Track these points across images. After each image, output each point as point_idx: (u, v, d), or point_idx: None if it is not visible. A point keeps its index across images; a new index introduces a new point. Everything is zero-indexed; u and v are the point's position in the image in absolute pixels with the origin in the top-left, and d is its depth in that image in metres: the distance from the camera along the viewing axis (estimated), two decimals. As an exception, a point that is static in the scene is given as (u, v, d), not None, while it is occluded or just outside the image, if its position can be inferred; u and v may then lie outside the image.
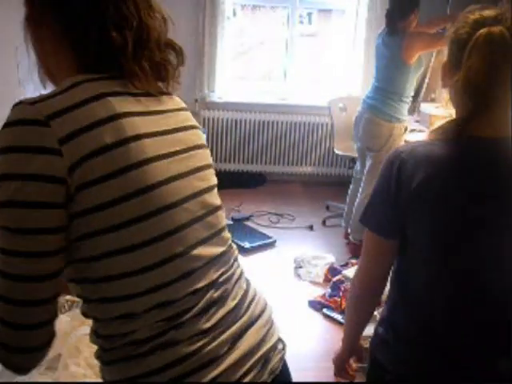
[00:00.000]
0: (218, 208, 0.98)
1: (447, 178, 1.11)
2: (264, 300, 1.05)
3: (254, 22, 5.44)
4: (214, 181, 1.00)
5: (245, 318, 0.95)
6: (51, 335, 0.85)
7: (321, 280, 3.38)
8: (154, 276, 0.84)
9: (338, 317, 2.98)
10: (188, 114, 1.02)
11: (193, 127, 1.00)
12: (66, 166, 0.76)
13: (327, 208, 4.52)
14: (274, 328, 1.02)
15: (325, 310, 3.06)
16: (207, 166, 0.99)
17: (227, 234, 1.01)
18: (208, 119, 4.80)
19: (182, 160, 0.91)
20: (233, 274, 0.98)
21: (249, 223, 4.18)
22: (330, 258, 3.56)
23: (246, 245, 3.71)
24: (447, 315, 1.15)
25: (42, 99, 0.80)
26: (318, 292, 3.24)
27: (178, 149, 0.91)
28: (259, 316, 0.99)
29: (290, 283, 3.38)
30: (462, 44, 1.11)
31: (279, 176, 5.06)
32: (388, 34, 3.42)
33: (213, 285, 0.91)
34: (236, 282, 0.98)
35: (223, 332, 0.90)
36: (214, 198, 0.98)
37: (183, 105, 1.03)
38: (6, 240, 0.77)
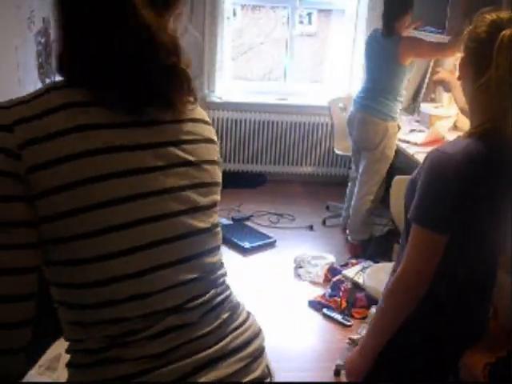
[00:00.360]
0: (200, 231, 0.90)
1: (503, 174, 1.27)
2: (254, 330, 0.98)
3: (253, 22, 5.44)
4: (205, 202, 0.91)
5: (216, 348, 0.89)
6: (27, 339, 0.81)
7: (321, 280, 3.38)
8: (105, 292, 0.82)
9: (338, 317, 2.99)
10: (202, 125, 0.96)
11: (202, 141, 0.94)
12: (23, 171, 0.77)
13: (327, 208, 4.52)
14: (261, 361, 0.96)
15: (325, 310, 3.06)
16: (201, 185, 0.91)
17: (210, 259, 0.93)
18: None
19: (157, 177, 0.85)
20: (207, 301, 0.91)
21: (249, 223, 4.18)
22: (330, 258, 3.57)
23: (246, 245, 3.71)
24: (480, 291, 1.40)
25: (14, 104, 0.80)
26: (317, 292, 3.25)
27: (158, 164, 0.85)
28: (241, 348, 0.93)
29: (290, 283, 3.38)
30: (481, 42, 1.22)
31: (279, 176, 5.05)
32: (384, 35, 3.43)
33: (174, 310, 0.87)
34: (211, 310, 0.91)
35: (181, 359, 0.85)
36: (198, 220, 0.90)
37: (201, 116, 0.97)
38: None
